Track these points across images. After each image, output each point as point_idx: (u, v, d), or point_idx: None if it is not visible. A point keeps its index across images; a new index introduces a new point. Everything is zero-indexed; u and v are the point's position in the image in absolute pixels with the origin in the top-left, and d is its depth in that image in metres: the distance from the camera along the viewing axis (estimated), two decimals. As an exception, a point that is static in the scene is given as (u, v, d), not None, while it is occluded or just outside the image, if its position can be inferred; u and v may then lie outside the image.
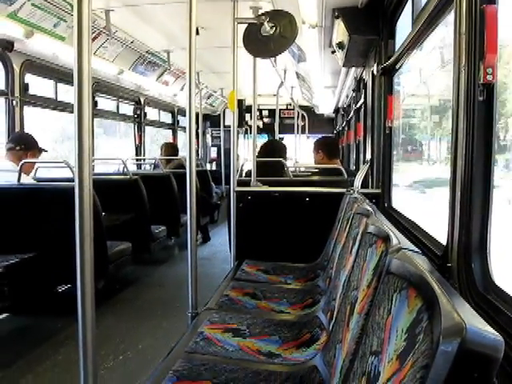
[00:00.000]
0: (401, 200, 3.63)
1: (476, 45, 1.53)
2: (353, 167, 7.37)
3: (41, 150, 4.58)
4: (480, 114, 1.54)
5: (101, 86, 6.74)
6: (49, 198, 3.89)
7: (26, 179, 4.16)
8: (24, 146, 4.39)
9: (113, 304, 4.37)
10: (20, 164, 4.02)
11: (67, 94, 5.88)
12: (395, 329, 1.08)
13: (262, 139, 9.89)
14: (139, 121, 8.28)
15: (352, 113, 6.97)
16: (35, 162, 4.66)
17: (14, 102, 4.93)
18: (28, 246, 3.86)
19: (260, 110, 11.73)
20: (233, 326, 2.35)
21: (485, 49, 1.48)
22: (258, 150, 4.99)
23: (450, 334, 0.82)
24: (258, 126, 5.35)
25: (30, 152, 4.41)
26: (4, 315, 3.99)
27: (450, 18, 1.94)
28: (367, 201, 2.92)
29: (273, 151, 5.07)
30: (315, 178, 5.20)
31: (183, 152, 8.25)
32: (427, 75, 3.73)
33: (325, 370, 1.86)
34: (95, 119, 7.06)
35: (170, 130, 10.20)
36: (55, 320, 3.85)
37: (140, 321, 4.00)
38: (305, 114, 10.84)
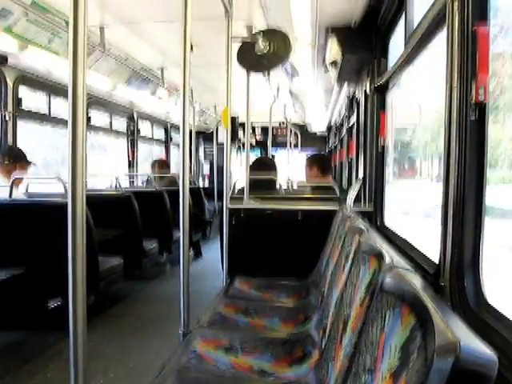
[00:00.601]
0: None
1: (468, 64, 1.55)
2: (345, 185, 7.39)
3: (29, 164, 4.58)
4: (472, 133, 1.55)
5: (94, 102, 6.75)
6: (40, 213, 3.87)
7: (16, 193, 4.14)
8: (13, 159, 4.39)
9: (104, 320, 4.33)
10: (11, 179, 4.01)
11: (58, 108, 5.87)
12: (388, 346, 1.08)
13: (255, 153, 9.95)
14: (132, 137, 8.29)
15: (344, 131, 7.00)
16: (25, 177, 4.64)
17: (7, 117, 4.92)
18: (19, 261, 3.83)
19: (253, 128, 11.76)
20: (225, 344, 2.34)
21: (477, 69, 1.50)
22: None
23: (444, 352, 0.82)
24: (250, 143, 5.37)
25: (19, 165, 4.41)
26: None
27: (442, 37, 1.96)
28: (360, 218, 2.92)
29: (262, 168, 5.09)
30: (308, 195, 5.20)
31: (176, 168, 8.25)
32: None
33: (317, 388, 1.85)
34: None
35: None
36: (46, 335, 3.81)
37: (131, 338, 3.96)
38: (297, 132, 10.88)
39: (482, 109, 1.52)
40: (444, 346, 0.83)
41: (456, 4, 1.62)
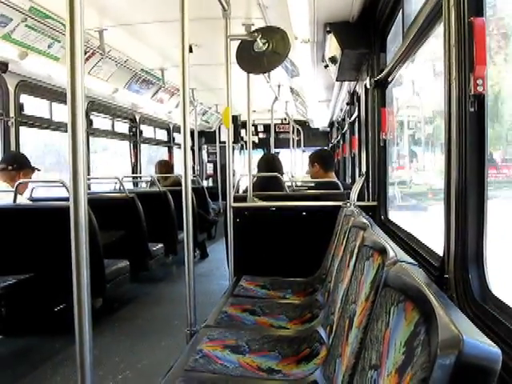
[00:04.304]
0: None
1: (466, 56, 1.54)
2: (348, 180, 7.38)
3: (33, 169, 4.58)
4: (472, 125, 1.54)
5: (96, 105, 6.76)
6: (45, 218, 3.88)
7: (21, 199, 4.15)
8: (16, 165, 4.39)
9: (111, 323, 4.34)
10: (15, 185, 4.02)
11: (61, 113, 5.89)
12: (393, 342, 1.08)
13: (258, 153, 9.94)
14: (135, 139, 8.30)
15: (346, 126, 6.99)
16: (29, 182, 4.65)
17: (10, 123, 4.93)
18: (25, 266, 3.84)
19: (255, 126, 11.75)
20: (232, 343, 2.34)
21: (474, 60, 1.49)
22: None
23: (448, 347, 0.82)
24: (253, 142, 5.37)
25: (23, 172, 4.41)
26: (1, 337, 3.95)
27: (439, 30, 1.96)
28: (363, 214, 2.92)
29: (272, 165, 5.09)
30: (311, 191, 5.20)
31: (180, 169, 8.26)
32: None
33: (325, 385, 1.85)
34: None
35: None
36: (54, 340, 3.82)
37: (139, 339, 3.97)
38: (300, 129, 10.88)
39: (480, 100, 1.52)
40: (447, 341, 0.83)
41: (452, -4, 1.62)
